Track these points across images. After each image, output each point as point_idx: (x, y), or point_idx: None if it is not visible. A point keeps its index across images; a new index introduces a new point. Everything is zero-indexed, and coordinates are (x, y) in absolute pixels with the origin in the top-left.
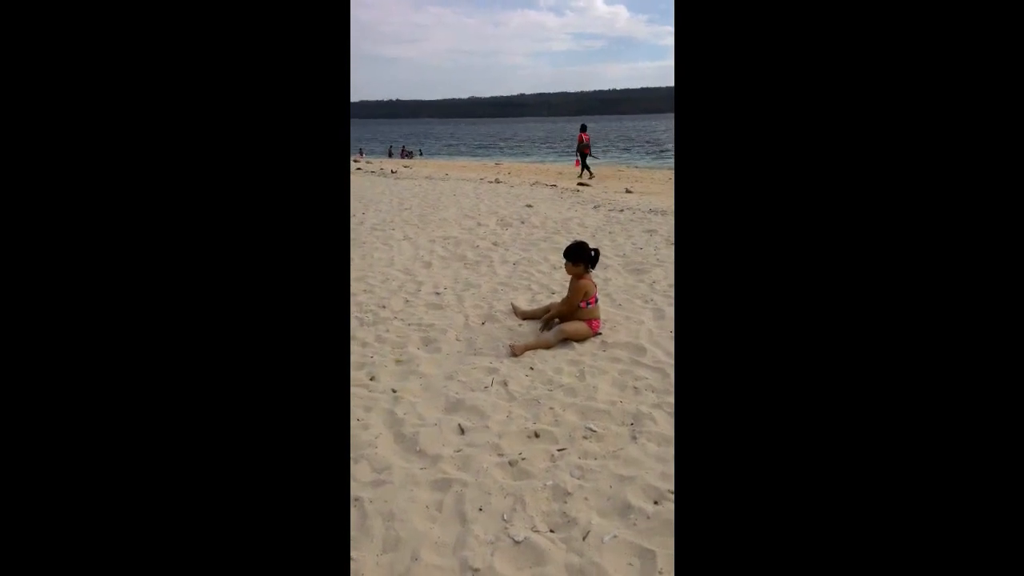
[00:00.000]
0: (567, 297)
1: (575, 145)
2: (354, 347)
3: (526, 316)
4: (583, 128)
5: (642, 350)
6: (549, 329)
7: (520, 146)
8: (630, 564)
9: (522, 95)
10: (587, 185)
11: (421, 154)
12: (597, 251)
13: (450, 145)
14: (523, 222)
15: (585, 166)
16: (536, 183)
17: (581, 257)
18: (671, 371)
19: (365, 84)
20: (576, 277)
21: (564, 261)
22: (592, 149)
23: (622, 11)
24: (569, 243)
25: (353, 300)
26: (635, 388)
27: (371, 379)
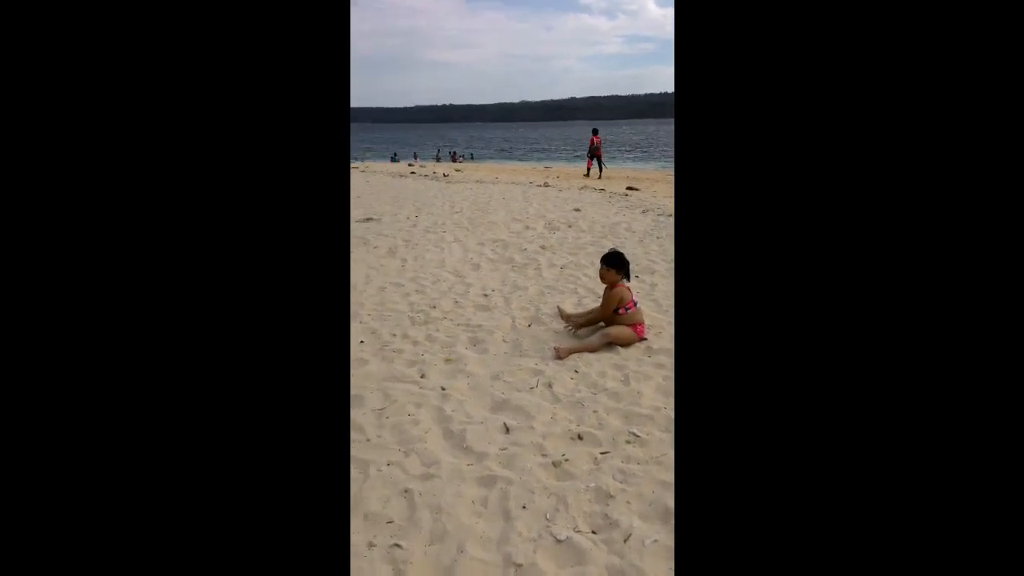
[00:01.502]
0: (602, 305)
1: (587, 148)
2: (406, 345)
3: (571, 319)
4: (595, 132)
5: None
6: (582, 329)
7: (572, 150)
8: (671, 569)
9: (573, 99)
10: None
11: (472, 158)
12: (628, 263)
13: (502, 150)
14: (570, 226)
15: (600, 166)
16: (584, 187)
17: (622, 264)
18: None
19: (420, 89)
20: (611, 285)
21: (601, 267)
22: (603, 152)
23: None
24: (608, 250)
25: (406, 300)
26: None
27: (422, 376)
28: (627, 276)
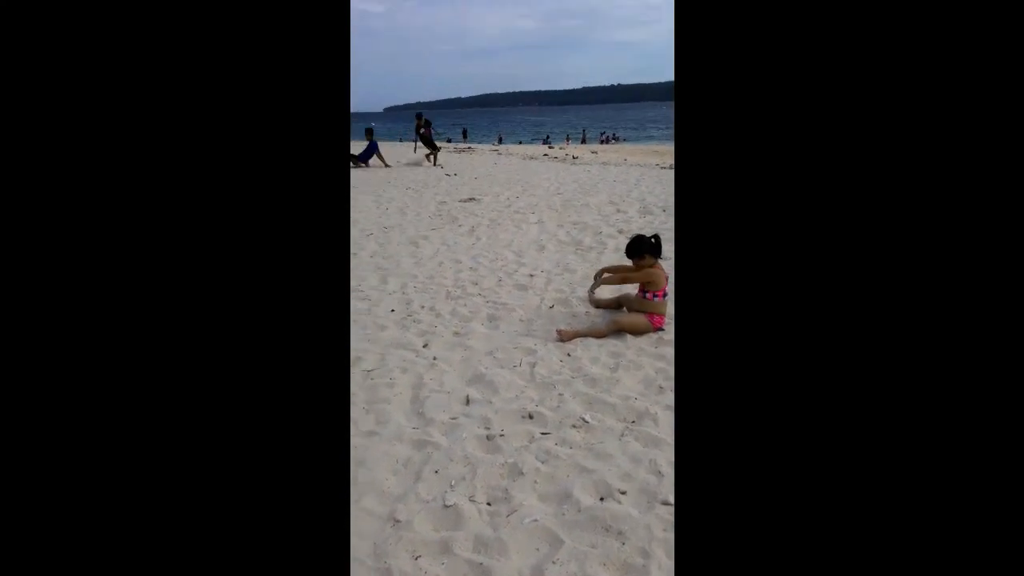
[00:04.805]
0: (636, 276)
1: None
2: (430, 318)
3: (599, 305)
4: (418, 115)
5: None
6: (598, 289)
7: None
8: (537, 549)
9: None
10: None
11: (618, 139)
12: (657, 236)
13: (660, 129)
14: (665, 210)
15: (432, 150)
16: None
17: (641, 250)
18: None
19: (591, 70)
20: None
21: (633, 261)
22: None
23: None
24: (630, 239)
25: (455, 276)
26: (660, 387)
27: (424, 346)
28: (658, 252)
